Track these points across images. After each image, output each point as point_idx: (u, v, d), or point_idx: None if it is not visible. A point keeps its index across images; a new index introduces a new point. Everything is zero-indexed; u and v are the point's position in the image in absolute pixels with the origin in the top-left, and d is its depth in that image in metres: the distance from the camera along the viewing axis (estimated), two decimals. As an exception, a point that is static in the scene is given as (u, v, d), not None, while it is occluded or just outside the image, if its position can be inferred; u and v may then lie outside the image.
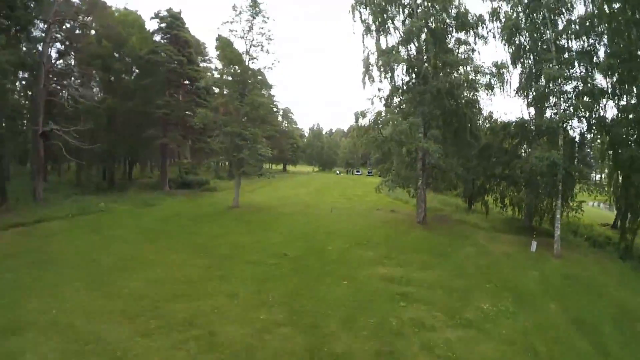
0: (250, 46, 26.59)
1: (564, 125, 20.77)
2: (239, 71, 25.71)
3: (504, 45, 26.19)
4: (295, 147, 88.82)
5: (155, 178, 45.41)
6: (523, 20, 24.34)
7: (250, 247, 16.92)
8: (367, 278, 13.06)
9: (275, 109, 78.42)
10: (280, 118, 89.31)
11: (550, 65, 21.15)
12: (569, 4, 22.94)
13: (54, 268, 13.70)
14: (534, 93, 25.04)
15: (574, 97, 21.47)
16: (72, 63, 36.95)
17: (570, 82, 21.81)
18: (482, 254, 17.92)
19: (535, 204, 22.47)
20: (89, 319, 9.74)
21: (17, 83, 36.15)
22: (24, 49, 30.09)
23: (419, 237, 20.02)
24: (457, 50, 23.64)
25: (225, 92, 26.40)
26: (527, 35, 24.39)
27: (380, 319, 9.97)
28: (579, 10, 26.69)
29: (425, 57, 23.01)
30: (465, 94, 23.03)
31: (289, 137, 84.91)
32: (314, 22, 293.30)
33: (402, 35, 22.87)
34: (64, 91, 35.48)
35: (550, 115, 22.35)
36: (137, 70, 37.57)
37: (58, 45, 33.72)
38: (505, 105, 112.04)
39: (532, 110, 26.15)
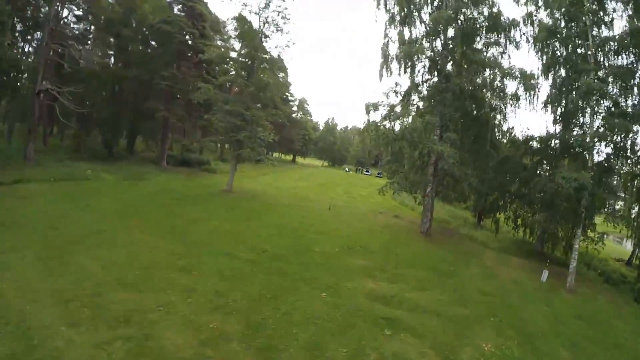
0: (265, 24, 24.76)
1: (596, 145, 18.70)
2: (247, 50, 23.92)
3: (537, 52, 24.17)
4: (306, 138, 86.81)
5: (158, 153, 44.07)
6: (562, 26, 22.33)
7: (229, 236, 15.19)
8: (352, 292, 11.13)
9: (291, 98, 76.71)
10: (295, 108, 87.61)
11: (590, 76, 19.13)
12: (610, 16, 20.88)
13: (11, 231, 12.58)
14: (567, 106, 22.93)
15: (607, 116, 19.56)
16: (89, 28, 36.11)
17: (606, 99, 19.84)
18: (488, 278, 15.95)
19: (553, 229, 20.26)
20: (22, 293, 8.61)
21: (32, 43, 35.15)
22: (42, 10, 29.44)
23: (420, 249, 18.05)
24: (486, 52, 21.46)
25: (232, 70, 24.49)
26: (563, 42, 22.34)
27: (356, 350, 8.04)
28: (619, 24, 24.51)
29: (449, 57, 20.88)
30: (489, 99, 20.86)
31: (301, 127, 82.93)
32: (312, 22, 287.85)
33: (428, 27, 20.81)
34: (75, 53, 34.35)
35: (582, 133, 20.28)
36: (147, 40, 36.05)
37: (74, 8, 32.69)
38: (527, 121, 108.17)
39: (557, 127, 24.20)
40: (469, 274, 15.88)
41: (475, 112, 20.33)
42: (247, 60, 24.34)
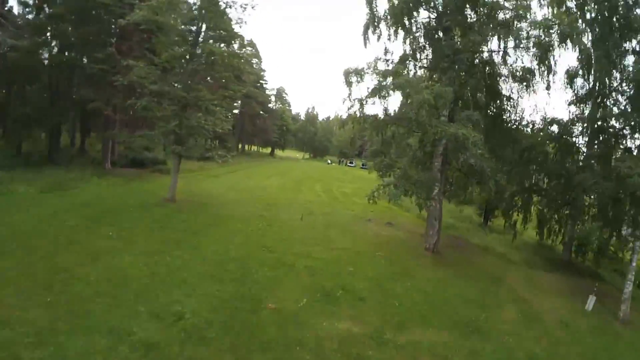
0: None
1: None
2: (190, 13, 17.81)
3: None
4: (284, 129, 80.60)
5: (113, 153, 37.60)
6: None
7: (134, 287, 9.47)
8: None
9: (267, 86, 70.30)
10: (273, 98, 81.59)
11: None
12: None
13: None
14: (603, 79, 18.00)
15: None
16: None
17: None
18: (531, 325, 10.90)
19: (600, 237, 15.28)
20: None
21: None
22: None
23: (430, 282, 12.46)
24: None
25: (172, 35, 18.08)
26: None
27: None
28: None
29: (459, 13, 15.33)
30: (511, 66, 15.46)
31: (278, 117, 76.76)
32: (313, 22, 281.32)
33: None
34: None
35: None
36: (80, 17, 29.60)
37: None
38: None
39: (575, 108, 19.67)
40: (506, 322, 10.62)
41: (492, 83, 14.92)
42: (188, 26, 18.21)
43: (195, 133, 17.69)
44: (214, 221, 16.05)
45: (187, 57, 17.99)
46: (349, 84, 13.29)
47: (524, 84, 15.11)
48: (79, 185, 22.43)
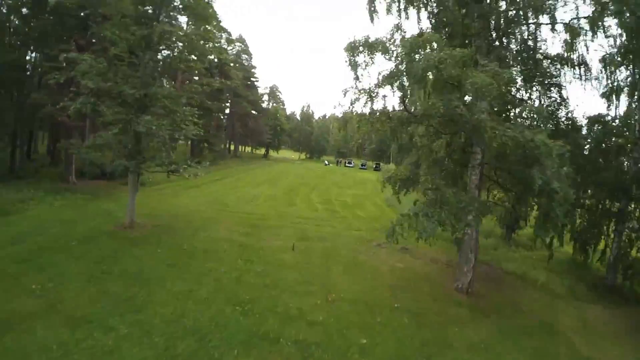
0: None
1: None
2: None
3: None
4: (278, 129, 76.53)
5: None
6: None
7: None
8: None
9: (258, 84, 66.32)
10: (266, 97, 77.84)
11: None
12: None
13: None
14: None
15: None
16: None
17: None
18: None
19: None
20: None
21: None
22: None
23: (475, 351, 8.63)
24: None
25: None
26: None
27: None
28: None
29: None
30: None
31: (271, 117, 72.76)
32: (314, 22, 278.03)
33: None
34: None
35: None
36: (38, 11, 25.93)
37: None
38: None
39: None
40: None
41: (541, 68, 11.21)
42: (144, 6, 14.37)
43: (149, 141, 13.82)
44: (176, 259, 12.19)
45: (143, 45, 14.13)
46: (354, 65, 9.41)
47: (583, 69, 11.35)
48: (27, 207, 18.67)
